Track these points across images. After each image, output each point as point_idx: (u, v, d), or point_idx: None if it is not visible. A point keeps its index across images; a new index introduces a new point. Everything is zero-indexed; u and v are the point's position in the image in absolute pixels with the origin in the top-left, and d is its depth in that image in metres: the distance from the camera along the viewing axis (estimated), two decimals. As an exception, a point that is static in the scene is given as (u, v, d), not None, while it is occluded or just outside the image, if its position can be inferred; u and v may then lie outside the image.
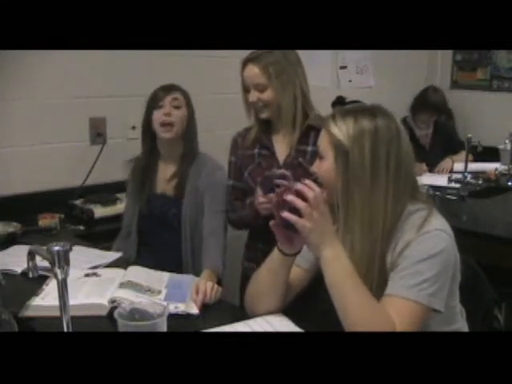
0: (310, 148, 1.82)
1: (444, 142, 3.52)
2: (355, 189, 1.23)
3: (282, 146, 1.86)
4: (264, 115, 1.85)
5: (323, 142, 1.29)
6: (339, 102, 2.61)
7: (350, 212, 1.23)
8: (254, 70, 1.80)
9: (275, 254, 1.33)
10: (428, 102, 3.45)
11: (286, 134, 1.85)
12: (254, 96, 1.82)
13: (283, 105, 1.81)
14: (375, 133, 1.23)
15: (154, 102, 2.00)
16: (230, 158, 1.96)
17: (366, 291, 1.18)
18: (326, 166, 1.28)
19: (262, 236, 1.81)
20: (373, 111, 1.27)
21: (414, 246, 1.20)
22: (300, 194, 1.19)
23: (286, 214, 1.19)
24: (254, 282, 1.40)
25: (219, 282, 1.80)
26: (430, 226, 1.22)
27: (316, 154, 1.77)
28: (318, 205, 1.18)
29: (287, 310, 1.41)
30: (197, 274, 1.82)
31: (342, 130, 1.24)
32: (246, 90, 1.86)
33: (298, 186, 1.19)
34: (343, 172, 1.24)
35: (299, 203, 1.17)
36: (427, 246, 1.19)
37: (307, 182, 1.20)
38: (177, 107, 1.99)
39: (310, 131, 1.82)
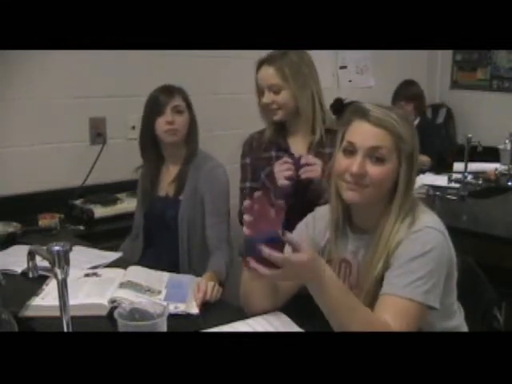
0: (327, 150, 1.80)
1: (423, 139, 3.52)
2: (412, 189, 1.27)
3: (299, 149, 1.84)
4: (277, 118, 1.82)
5: (387, 145, 1.23)
6: (338, 103, 2.60)
7: (400, 214, 1.25)
8: (268, 71, 1.78)
9: None
10: (397, 95, 3.51)
11: (304, 137, 1.83)
12: (268, 97, 1.79)
13: (301, 107, 1.79)
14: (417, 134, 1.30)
15: (155, 109, 1.98)
16: (244, 161, 1.94)
17: (361, 315, 1.15)
18: (388, 168, 1.24)
19: None
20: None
21: (406, 245, 1.22)
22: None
23: (254, 265, 1.07)
24: (241, 283, 1.41)
25: (220, 284, 1.80)
26: (420, 223, 1.23)
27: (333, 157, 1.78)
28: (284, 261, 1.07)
29: (291, 309, 1.42)
30: (193, 274, 1.82)
31: (406, 131, 1.25)
32: (260, 92, 1.83)
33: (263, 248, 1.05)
34: (407, 173, 1.25)
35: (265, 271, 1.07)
36: (419, 244, 1.20)
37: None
38: (179, 112, 1.99)
39: (326, 134, 1.81)
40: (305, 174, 1.66)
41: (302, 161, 1.67)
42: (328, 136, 1.81)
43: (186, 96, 2.04)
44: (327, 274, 1.13)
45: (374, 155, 1.23)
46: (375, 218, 1.28)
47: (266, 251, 1.04)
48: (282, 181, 1.67)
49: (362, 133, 1.24)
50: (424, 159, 3.33)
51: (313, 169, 1.65)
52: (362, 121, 1.24)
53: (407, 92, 3.55)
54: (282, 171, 1.67)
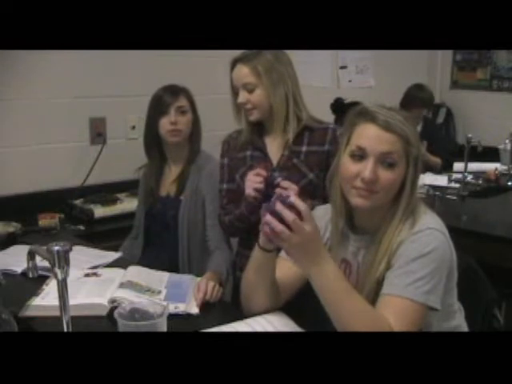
0: (304, 148, 1.76)
1: (429, 140, 3.54)
2: (416, 189, 1.26)
3: (274, 147, 1.80)
4: (253, 117, 1.77)
5: (397, 149, 1.22)
6: (338, 103, 2.58)
7: (403, 214, 1.24)
8: (242, 70, 1.75)
9: (256, 252, 1.33)
10: (414, 99, 3.49)
11: (279, 135, 1.79)
12: (242, 97, 1.75)
13: (274, 105, 1.75)
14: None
15: (159, 109, 1.98)
16: (222, 161, 1.89)
17: (358, 300, 1.17)
18: (398, 174, 1.23)
19: (255, 242, 1.77)
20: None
21: (408, 245, 1.21)
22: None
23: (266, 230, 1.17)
24: (243, 282, 1.41)
25: (221, 284, 1.80)
26: (421, 224, 1.23)
27: (311, 155, 1.74)
28: (299, 227, 1.13)
29: (290, 309, 1.42)
30: (193, 274, 1.82)
31: (412, 133, 1.24)
32: (234, 91, 1.80)
33: (277, 206, 1.14)
34: (414, 176, 1.25)
35: (278, 226, 1.14)
36: (420, 245, 1.20)
37: (293, 199, 1.16)
38: (183, 112, 2.00)
39: (303, 131, 1.77)
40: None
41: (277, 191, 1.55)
42: (305, 133, 1.77)
43: (191, 96, 2.05)
44: (329, 262, 1.18)
45: (386, 160, 1.21)
46: (377, 219, 1.28)
47: (279, 207, 1.13)
48: (249, 190, 1.60)
49: (371, 137, 1.22)
50: (436, 160, 3.33)
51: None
52: (369, 124, 1.23)
53: (423, 96, 3.53)
54: (253, 182, 1.60)
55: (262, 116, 1.78)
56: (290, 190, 1.58)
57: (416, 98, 3.49)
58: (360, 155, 1.23)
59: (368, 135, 1.23)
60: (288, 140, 1.77)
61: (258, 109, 1.76)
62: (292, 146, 1.77)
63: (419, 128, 3.56)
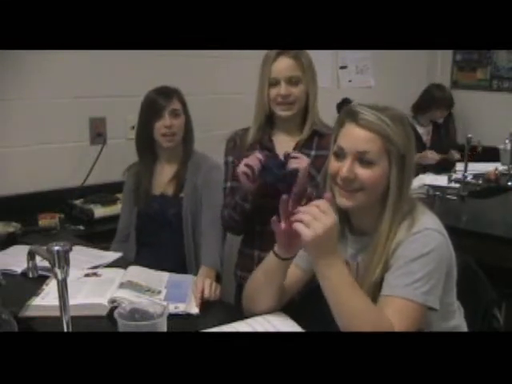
0: (313, 152, 1.76)
1: (440, 141, 3.55)
2: (407, 191, 1.26)
3: (283, 148, 1.77)
4: (290, 112, 1.75)
5: (375, 148, 1.22)
6: (345, 103, 2.58)
7: (395, 216, 1.24)
8: (287, 62, 1.72)
9: (271, 258, 1.33)
10: (436, 99, 3.49)
11: (291, 136, 1.79)
12: (286, 89, 1.71)
13: (311, 102, 1.75)
14: (413, 135, 1.29)
15: (153, 112, 1.99)
16: (227, 159, 1.87)
17: (363, 297, 1.18)
18: (378, 171, 1.23)
19: (257, 242, 1.76)
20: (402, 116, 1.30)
21: (406, 246, 1.22)
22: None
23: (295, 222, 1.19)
24: (249, 283, 1.41)
25: (218, 279, 1.80)
26: (420, 225, 1.23)
27: (319, 159, 1.74)
28: (322, 216, 1.16)
29: (291, 309, 1.42)
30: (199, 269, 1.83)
31: (398, 132, 1.23)
32: (272, 83, 1.73)
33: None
34: (398, 175, 1.24)
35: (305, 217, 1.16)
36: (419, 245, 1.20)
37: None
38: (176, 115, 2.00)
39: (313, 135, 1.77)
40: (292, 164, 1.58)
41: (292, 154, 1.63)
42: (315, 138, 1.78)
43: (182, 97, 2.05)
44: (341, 257, 1.20)
45: (363, 159, 1.23)
46: (373, 220, 1.28)
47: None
48: (241, 167, 1.60)
49: (351, 137, 1.24)
50: (432, 156, 3.33)
51: (299, 161, 1.59)
52: (351, 124, 1.24)
53: (446, 96, 3.55)
54: (248, 160, 1.60)
55: (298, 111, 1.77)
56: (301, 158, 1.59)
57: (439, 98, 3.50)
58: (341, 154, 1.26)
59: (348, 135, 1.25)
60: (298, 141, 1.78)
61: (297, 103, 1.75)
62: (301, 149, 1.77)
63: (430, 129, 3.57)
